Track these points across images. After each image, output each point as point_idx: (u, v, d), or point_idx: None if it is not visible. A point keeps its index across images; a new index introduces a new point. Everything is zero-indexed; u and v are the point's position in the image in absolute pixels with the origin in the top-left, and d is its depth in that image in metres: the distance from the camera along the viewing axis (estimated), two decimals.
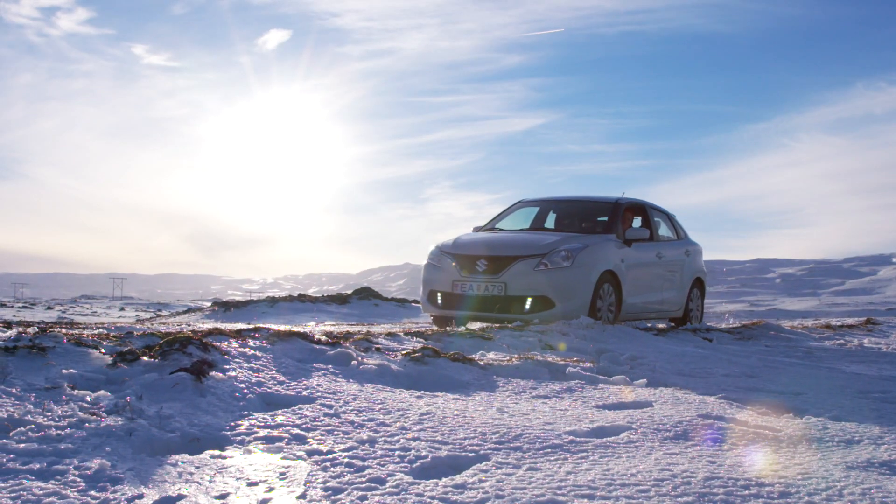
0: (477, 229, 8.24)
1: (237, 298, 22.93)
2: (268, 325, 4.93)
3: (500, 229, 8.17)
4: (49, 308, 31.08)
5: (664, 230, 8.92)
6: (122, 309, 36.01)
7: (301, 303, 16.61)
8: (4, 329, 4.52)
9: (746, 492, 2.01)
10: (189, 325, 6.60)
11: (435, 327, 6.91)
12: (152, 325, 7.95)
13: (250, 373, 3.28)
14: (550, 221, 8.45)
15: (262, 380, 3.21)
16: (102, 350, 3.32)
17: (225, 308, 17.43)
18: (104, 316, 25.53)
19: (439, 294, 7.11)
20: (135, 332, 3.93)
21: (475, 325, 6.62)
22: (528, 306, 6.68)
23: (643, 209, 8.59)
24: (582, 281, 6.76)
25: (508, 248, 6.97)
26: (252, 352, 3.63)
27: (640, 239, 7.73)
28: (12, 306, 29.85)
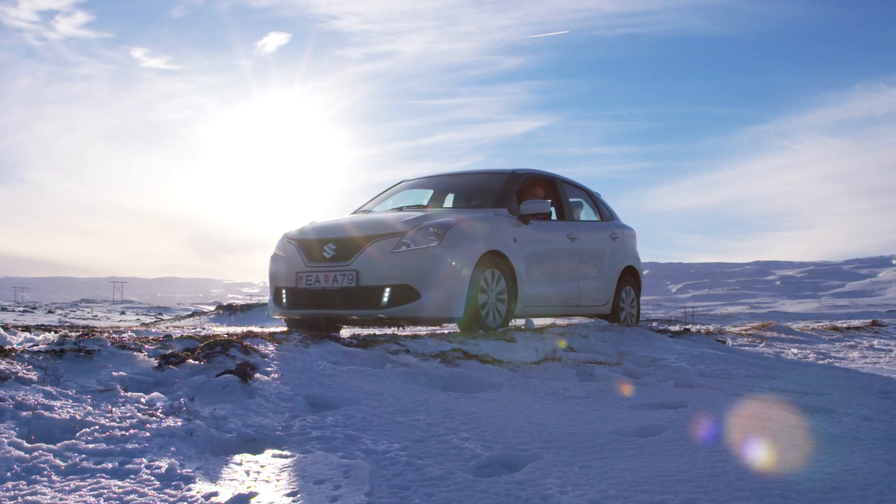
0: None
1: (238, 302, 22.99)
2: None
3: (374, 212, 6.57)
4: (50, 312, 31.08)
5: (586, 212, 7.43)
6: (122, 313, 36.00)
7: None
8: (23, 332, 4.58)
9: (800, 487, 2.08)
10: (203, 329, 6.65)
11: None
12: (166, 329, 7.99)
13: (292, 374, 3.34)
14: (448, 203, 6.84)
15: (305, 381, 3.27)
16: (145, 353, 3.38)
17: (230, 312, 17.50)
18: (105, 320, 25.54)
19: (284, 291, 5.66)
20: (173, 336, 3.99)
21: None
22: (385, 299, 5.19)
23: (553, 183, 6.94)
24: (455, 264, 5.23)
25: (363, 227, 5.54)
26: (289, 354, 3.69)
27: (541, 214, 6.11)
28: (13, 310, 29.84)
